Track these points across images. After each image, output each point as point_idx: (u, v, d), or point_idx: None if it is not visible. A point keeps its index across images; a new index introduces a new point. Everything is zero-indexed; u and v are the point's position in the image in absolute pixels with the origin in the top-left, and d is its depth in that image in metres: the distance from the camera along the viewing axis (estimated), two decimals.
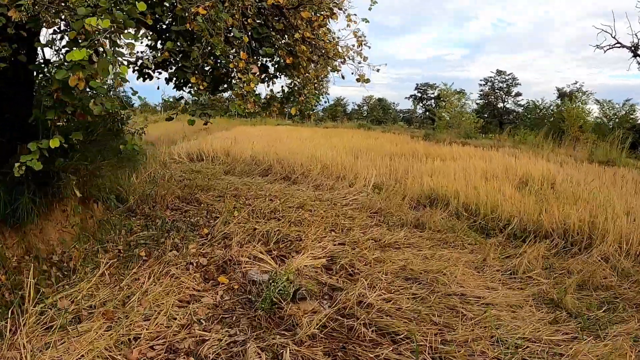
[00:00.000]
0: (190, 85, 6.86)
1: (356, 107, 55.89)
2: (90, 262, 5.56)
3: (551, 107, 37.60)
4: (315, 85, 8.48)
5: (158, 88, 7.47)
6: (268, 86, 8.55)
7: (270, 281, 5.15)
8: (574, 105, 30.14)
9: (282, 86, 7.71)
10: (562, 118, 30.76)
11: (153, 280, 5.33)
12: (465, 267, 6.17)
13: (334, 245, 6.72)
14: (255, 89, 6.69)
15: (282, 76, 8.35)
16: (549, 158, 16.30)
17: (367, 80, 7.26)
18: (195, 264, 5.89)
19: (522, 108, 45.07)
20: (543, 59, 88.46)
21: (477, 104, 45.96)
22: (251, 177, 11.65)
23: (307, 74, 8.14)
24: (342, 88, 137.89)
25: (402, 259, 6.29)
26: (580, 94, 33.70)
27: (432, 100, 51.88)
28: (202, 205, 8.61)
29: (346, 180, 11.17)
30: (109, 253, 6.02)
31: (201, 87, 6.56)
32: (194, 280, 5.42)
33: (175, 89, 7.58)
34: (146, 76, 8.05)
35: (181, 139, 17.22)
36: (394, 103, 57.12)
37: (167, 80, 7.59)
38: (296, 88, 8.12)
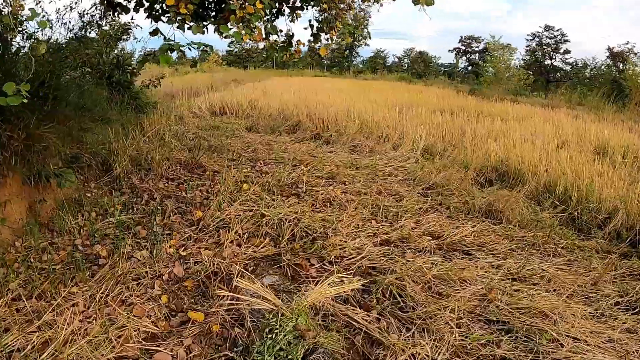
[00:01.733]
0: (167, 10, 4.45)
1: (396, 60, 51.85)
2: (12, 274, 3.43)
3: (602, 67, 33.22)
4: (351, 16, 6.01)
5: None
6: (291, 20, 6.11)
7: (267, 331, 2.86)
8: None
9: (310, 20, 5.74)
10: (616, 79, 26.74)
11: (93, 309, 3.16)
12: (574, 298, 3.72)
13: (375, 246, 4.35)
14: (262, 12, 4.22)
15: (310, 7, 5.95)
16: (615, 123, 13.13)
17: (431, 2, 4.73)
18: (165, 278, 3.66)
19: (570, 67, 40.29)
20: (592, 17, 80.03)
21: (522, 60, 41.34)
22: (276, 135, 9.28)
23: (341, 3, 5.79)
24: (383, 40, 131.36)
25: (477, 277, 3.87)
26: (632, 55, 29.34)
27: (477, 55, 47.32)
28: (206, 173, 6.34)
29: (389, 141, 8.65)
30: (57, 253, 3.86)
31: (182, 11, 4.14)
32: (154, 314, 3.20)
33: (151, 21, 5.18)
34: (118, 9, 5.65)
35: (206, 91, 14.87)
36: (435, 56, 52.62)
37: (136, 9, 5.21)
38: (327, 22, 5.71)
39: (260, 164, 6.94)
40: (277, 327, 2.86)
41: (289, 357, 2.71)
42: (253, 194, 5.36)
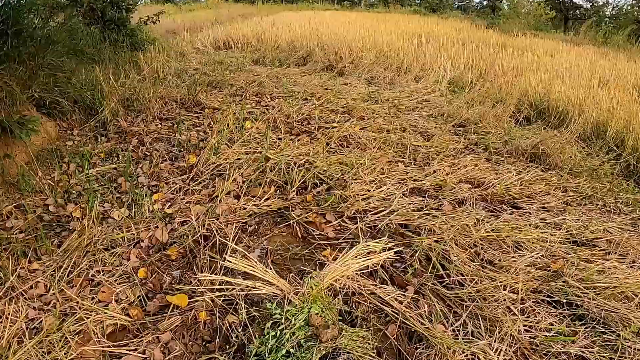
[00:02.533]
0: None
1: None
2: None
3: (625, 6, 30.30)
4: None
5: None
6: None
7: (269, 326, 1.98)
8: None
9: None
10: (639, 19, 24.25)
11: (54, 293, 2.32)
12: None
13: (405, 196, 3.39)
14: None
15: None
16: None
17: None
18: (145, 244, 2.77)
19: (590, 4, 36.98)
20: None
21: None
22: (284, 67, 8.08)
23: None
24: None
25: (534, 240, 2.93)
26: None
27: None
28: (205, 111, 5.30)
29: (410, 73, 7.43)
30: (24, 218, 2.98)
31: None
32: (126, 296, 2.33)
33: None
34: None
35: (211, 26, 13.37)
36: None
37: None
38: None
39: (267, 98, 5.87)
40: (283, 321, 1.98)
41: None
42: (257, 132, 4.36)
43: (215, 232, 2.79)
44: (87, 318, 2.12)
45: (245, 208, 3.12)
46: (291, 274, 2.35)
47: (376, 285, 2.43)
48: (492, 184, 3.64)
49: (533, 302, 2.38)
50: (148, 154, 4.05)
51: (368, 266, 2.46)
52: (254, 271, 2.05)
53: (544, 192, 3.64)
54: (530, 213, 3.29)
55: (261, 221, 3.06)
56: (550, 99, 5.80)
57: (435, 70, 7.31)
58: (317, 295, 2.08)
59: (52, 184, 3.40)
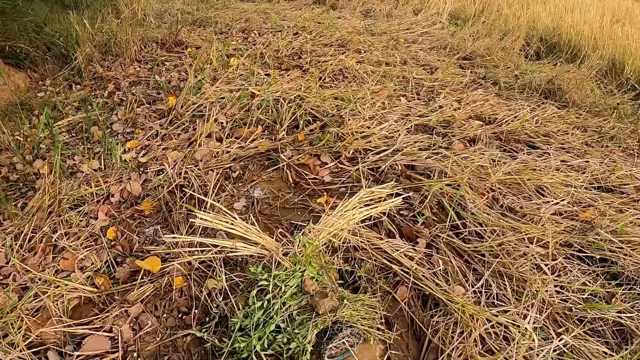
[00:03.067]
0: None
1: None
2: None
3: None
4: None
5: None
6: None
7: (255, 295, 1.56)
8: None
9: None
10: None
11: (14, 264, 1.89)
12: None
13: (410, 133, 2.89)
14: None
15: None
16: None
17: None
18: (116, 199, 2.31)
19: None
20: None
21: None
22: (273, 3, 7.25)
23: None
24: None
25: (557, 184, 2.49)
26: None
27: None
28: (187, 50, 4.64)
29: (409, 4, 6.67)
30: None
31: None
32: (92, 263, 1.90)
33: None
34: None
35: None
36: None
37: None
38: None
39: (254, 34, 5.19)
40: (270, 288, 1.56)
41: (292, 344, 1.45)
42: (243, 69, 3.78)
43: (193, 180, 2.32)
44: (47, 292, 1.70)
45: (228, 151, 2.64)
46: (280, 229, 1.90)
47: (381, 238, 2.00)
48: (505, 121, 3.15)
49: (563, 257, 1.97)
50: (124, 99, 3.49)
51: (372, 216, 2.02)
52: (232, 228, 1.60)
53: (562, 131, 3.15)
54: (549, 154, 2.82)
55: (246, 165, 2.59)
56: (561, 33, 5.15)
57: (435, 1, 6.55)
58: (312, 254, 1.65)
59: (21, 140, 2.88)
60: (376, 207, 1.89)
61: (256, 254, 1.65)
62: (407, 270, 1.83)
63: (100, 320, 1.63)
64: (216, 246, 1.65)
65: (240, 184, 2.44)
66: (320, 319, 1.46)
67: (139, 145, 2.77)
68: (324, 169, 2.55)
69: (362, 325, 1.51)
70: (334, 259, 1.81)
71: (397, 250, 1.91)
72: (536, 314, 1.71)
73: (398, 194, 2.17)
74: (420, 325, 1.68)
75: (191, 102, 3.11)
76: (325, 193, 2.35)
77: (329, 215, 1.85)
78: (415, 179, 2.42)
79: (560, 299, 1.80)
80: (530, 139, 3.00)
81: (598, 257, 1.99)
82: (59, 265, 1.86)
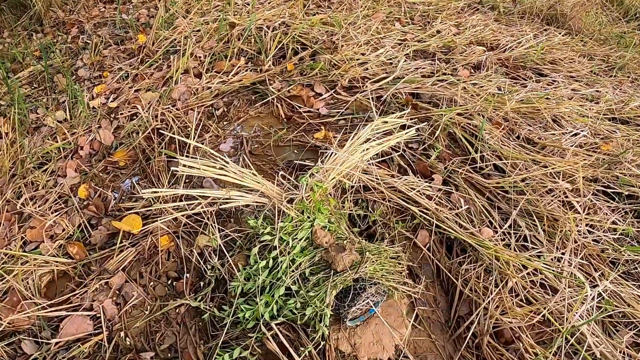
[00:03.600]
0: None
1: None
2: None
3: None
4: None
5: None
6: None
7: (257, 253, 1.25)
8: None
9: None
10: None
11: None
12: None
13: (410, 59, 2.50)
14: None
15: None
16: None
17: None
18: (86, 152, 1.91)
19: None
20: None
21: None
22: None
23: None
24: None
25: (573, 113, 2.18)
26: None
27: None
28: None
29: None
30: None
31: None
32: (64, 228, 1.54)
33: None
34: None
35: None
36: None
37: None
38: None
39: None
40: (275, 243, 1.25)
41: (307, 310, 1.17)
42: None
43: (172, 122, 1.93)
44: (14, 271, 1.36)
45: (209, 87, 2.22)
46: (280, 173, 1.57)
47: (393, 175, 1.70)
48: (509, 47, 2.77)
49: (592, 195, 1.70)
50: (89, 42, 2.96)
51: (380, 152, 1.69)
52: (223, 174, 1.26)
53: (569, 59, 2.79)
54: (557, 82, 2.49)
55: (231, 101, 2.19)
56: None
57: None
58: (321, 200, 1.33)
59: None
60: (388, 140, 1.56)
61: (254, 203, 1.32)
62: (426, 211, 1.55)
63: (78, 297, 1.31)
64: (205, 197, 1.32)
65: (225, 123, 2.06)
66: (339, 278, 1.18)
67: (107, 89, 2.33)
68: (318, 100, 2.17)
69: (387, 281, 1.23)
70: (343, 202, 1.50)
71: (413, 189, 1.61)
72: (570, 257, 1.46)
73: (410, 125, 1.84)
74: (448, 274, 1.42)
75: (163, 37, 2.62)
76: (322, 127, 2.00)
77: (335, 153, 1.51)
78: (422, 108, 2.07)
79: (592, 240, 1.55)
80: (537, 66, 2.65)
81: (626, 193, 1.73)
82: (25, 236, 1.51)
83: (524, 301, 1.35)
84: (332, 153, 1.44)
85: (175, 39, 2.60)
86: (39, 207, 1.59)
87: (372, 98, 2.16)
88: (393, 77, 2.27)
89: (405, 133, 1.60)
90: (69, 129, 1.96)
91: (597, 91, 2.41)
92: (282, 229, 1.25)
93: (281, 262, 1.23)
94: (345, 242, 1.26)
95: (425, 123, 1.98)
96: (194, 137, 1.86)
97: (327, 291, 1.17)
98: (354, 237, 1.31)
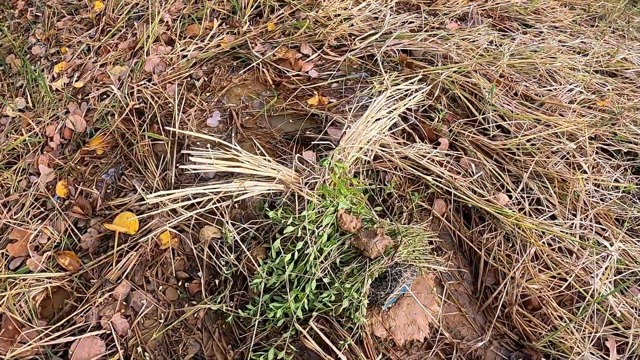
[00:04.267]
0: None
1: None
2: None
3: None
4: None
5: None
6: None
7: (278, 246, 1.10)
8: None
9: None
10: None
11: None
12: None
13: (395, 13, 2.29)
14: None
15: None
16: None
17: None
18: (56, 143, 1.64)
19: None
20: None
21: None
22: None
23: None
24: None
25: (566, 69, 2.09)
26: None
27: None
28: None
29: None
30: None
31: None
32: (49, 236, 1.32)
33: None
34: None
35: None
36: None
37: None
38: None
39: None
40: (300, 233, 1.10)
41: (344, 302, 1.05)
42: None
43: (150, 100, 1.67)
44: (3, 297, 1.14)
45: (185, 56, 1.94)
46: (279, 149, 1.39)
47: (399, 143, 1.56)
48: None
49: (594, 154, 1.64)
50: (39, 14, 2.51)
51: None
52: (237, 165, 1.07)
53: (551, 8, 2.66)
54: (543, 33, 2.36)
55: (212, 70, 1.93)
56: None
57: None
58: (343, 182, 1.18)
59: None
60: (398, 107, 1.40)
61: (270, 191, 1.16)
62: (439, 179, 1.43)
63: (82, 316, 1.13)
64: (218, 192, 1.13)
65: (208, 94, 1.82)
66: (375, 266, 1.06)
67: (69, 67, 1.99)
68: (306, 62, 1.96)
69: (420, 262, 1.13)
70: (358, 179, 1.36)
71: (423, 157, 1.48)
72: (582, 218, 1.41)
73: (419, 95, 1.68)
74: (470, 244, 1.34)
75: (123, 2, 2.25)
76: (315, 92, 1.81)
77: (351, 126, 1.34)
78: (417, 66, 1.91)
79: (599, 198, 1.51)
80: (521, 16, 2.50)
81: (624, 150, 1.69)
82: (7, 251, 1.28)
83: (546, 267, 1.30)
84: (346, 128, 1.27)
85: (137, 3, 2.25)
86: (15, 214, 1.35)
87: (363, 57, 1.97)
88: (381, 34, 2.07)
89: (414, 98, 1.45)
90: (33, 118, 1.67)
91: (583, 42, 2.32)
92: (304, 218, 1.10)
93: (308, 253, 1.09)
94: (375, 226, 1.13)
95: (424, 83, 1.83)
96: (179, 115, 1.63)
97: (363, 280, 1.05)
98: (382, 220, 1.19)
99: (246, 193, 1.13)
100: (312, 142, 1.50)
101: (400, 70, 1.88)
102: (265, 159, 1.12)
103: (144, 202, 1.33)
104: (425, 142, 1.58)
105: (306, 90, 1.83)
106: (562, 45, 2.26)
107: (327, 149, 1.50)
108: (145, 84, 1.74)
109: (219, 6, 2.20)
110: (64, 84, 1.86)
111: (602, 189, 1.55)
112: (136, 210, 1.32)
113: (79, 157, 1.56)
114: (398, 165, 1.45)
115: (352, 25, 2.13)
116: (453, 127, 1.66)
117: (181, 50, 1.94)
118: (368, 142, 1.27)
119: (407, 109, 1.71)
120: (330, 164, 1.15)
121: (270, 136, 1.63)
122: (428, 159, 1.48)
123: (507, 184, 1.50)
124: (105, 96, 1.76)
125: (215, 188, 1.09)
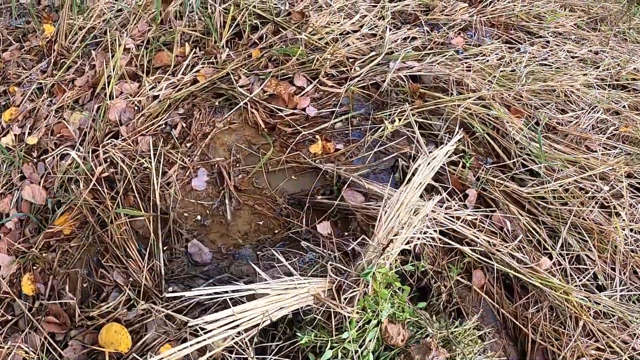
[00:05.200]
0: None
1: None
2: None
3: None
4: None
5: None
6: None
7: None
8: None
9: None
10: None
11: None
12: None
13: (396, 28, 2.09)
14: None
15: None
16: None
17: None
18: (12, 226, 1.37)
19: None
20: None
21: None
22: None
23: None
24: None
25: (583, 89, 1.98)
26: None
27: None
28: None
29: None
30: None
31: None
32: (22, 358, 1.07)
33: None
34: None
35: None
36: None
37: None
38: None
39: None
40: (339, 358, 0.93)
41: None
42: None
43: (121, 163, 1.41)
44: None
45: (156, 97, 1.67)
46: (295, 223, 1.18)
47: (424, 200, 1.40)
48: (489, 1, 2.41)
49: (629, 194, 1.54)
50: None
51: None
52: (266, 295, 0.88)
53: (551, 12, 2.53)
54: (549, 42, 2.23)
55: (190, 112, 1.67)
56: None
57: None
58: (383, 285, 1.01)
59: None
60: (433, 169, 1.23)
61: (300, 309, 0.97)
62: (472, 243, 1.29)
63: None
64: (237, 324, 0.94)
65: (189, 145, 1.58)
66: None
67: (19, 113, 1.67)
68: (302, 96, 1.74)
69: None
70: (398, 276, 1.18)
71: (453, 217, 1.33)
72: (620, 273, 1.32)
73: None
74: (515, 321, 1.22)
75: (77, 26, 1.91)
76: (318, 136, 1.61)
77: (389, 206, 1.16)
78: (429, 96, 1.73)
79: (636, 247, 1.42)
80: (524, 22, 2.36)
81: None
82: None
83: (595, 340, 1.21)
84: (382, 210, 1.08)
85: (93, 26, 1.93)
86: None
87: (364, 87, 1.77)
88: (384, 56, 1.87)
89: (446, 153, 1.28)
90: None
91: (590, 51, 2.21)
92: (348, 339, 0.93)
93: None
94: (425, 335, 0.98)
95: (437, 117, 1.66)
96: (159, 182, 1.38)
97: None
98: (433, 322, 1.03)
99: (272, 315, 0.94)
100: (327, 212, 1.31)
101: (411, 102, 1.70)
102: (302, 278, 0.93)
103: (134, 306, 1.12)
104: (454, 198, 1.43)
105: (306, 134, 1.61)
106: (571, 57, 2.15)
107: (345, 215, 1.33)
108: (112, 141, 1.47)
109: (190, 28, 1.90)
110: (15, 136, 1.56)
111: (635, 233, 1.47)
112: (127, 321, 1.10)
113: (42, 242, 1.30)
114: (426, 231, 1.29)
115: (349, 45, 1.91)
116: (480, 174, 1.51)
117: (151, 89, 1.66)
118: (419, 229, 1.09)
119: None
120: (365, 269, 0.97)
121: (272, 201, 1.43)
122: (460, 221, 1.33)
123: (545, 241, 1.38)
124: (66, 155, 1.48)
125: (243, 310, 0.88)
